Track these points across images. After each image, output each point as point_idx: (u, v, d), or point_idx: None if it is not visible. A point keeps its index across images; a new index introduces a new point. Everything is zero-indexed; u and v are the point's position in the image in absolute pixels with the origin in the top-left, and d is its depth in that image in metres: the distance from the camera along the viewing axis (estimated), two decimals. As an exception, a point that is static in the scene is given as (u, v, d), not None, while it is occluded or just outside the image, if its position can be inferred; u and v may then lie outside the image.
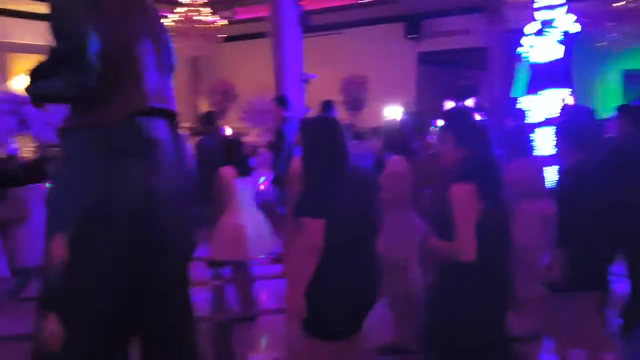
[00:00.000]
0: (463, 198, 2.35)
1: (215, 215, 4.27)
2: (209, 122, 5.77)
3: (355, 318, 2.46)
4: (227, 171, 4.25)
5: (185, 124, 12.07)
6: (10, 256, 5.20)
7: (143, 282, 1.90)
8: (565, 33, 6.73)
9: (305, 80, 7.02)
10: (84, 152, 1.86)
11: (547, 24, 6.77)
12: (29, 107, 6.21)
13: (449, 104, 7.31)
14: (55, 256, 1.79)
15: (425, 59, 12.64)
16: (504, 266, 2.48)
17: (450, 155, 2.56)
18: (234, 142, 4.77)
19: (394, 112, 9.86)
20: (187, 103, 13.85)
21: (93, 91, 1.81)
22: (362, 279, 2.43)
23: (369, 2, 11.22)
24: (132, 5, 1.95)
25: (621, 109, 3.99)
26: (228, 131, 4.99)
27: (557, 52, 6.90)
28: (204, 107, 12.67)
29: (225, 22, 10.19)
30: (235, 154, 4.39)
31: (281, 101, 6.04)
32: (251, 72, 11.95)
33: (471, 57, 13.40)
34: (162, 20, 2.15)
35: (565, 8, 6.67)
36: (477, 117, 3.80)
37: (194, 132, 11.96)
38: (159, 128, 1.95)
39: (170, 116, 2.02)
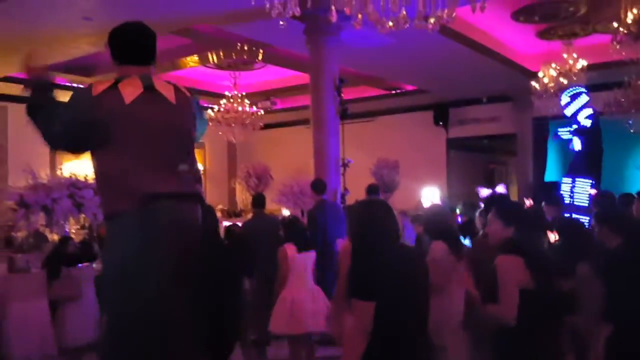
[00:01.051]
0: (509, 269, 2.57)
1: (278, 291, 4.47)
2: (259, 204, 5.99)
3: None
4: (288, 248, 4.46)
5: (220, 206, 12.51)
6: (58, 335, 5.31)
7: None
8: (587, 124, 7.13)
9: (345, 165, 7.31)
10: (115, 240, 2.18)
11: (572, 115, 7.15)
12: (86, 191, 6.64)
13: (484, 191, 7.50)
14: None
15: (454, 144, 13.02)
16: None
17: (498, 234, 2.81)
18: (294, 219, 5.04)
19: (428, 195, 10.07)
20: (223, 186, 14.41)
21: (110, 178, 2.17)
22: None
23: (400, 92, 11.79)
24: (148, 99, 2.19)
25: None
26: (285, 212, 5.24)
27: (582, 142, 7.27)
28: (240, 190, 13.14)
29: (263, 112, 10.83)
30: (295, 231, 4.59)
31: (318, 185, 6.26)
32: (287, 156, 12.48)
33: (499, 143, 13.75)
34: (189, 109, 2.36)
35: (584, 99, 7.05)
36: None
37: (230, 213, 12.36)
38: (178, 209, 2.16)
39: (191, 196, 2.24)
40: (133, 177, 2.14)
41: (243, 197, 13.19)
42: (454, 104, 12.50)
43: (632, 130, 7.90)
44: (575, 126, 7.14)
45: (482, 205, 5.00)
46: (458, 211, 9.75)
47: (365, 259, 2.31)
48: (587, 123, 6.96)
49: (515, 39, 9.01)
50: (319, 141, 7.13)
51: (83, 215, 7.00)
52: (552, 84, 8.00)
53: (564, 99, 7.15)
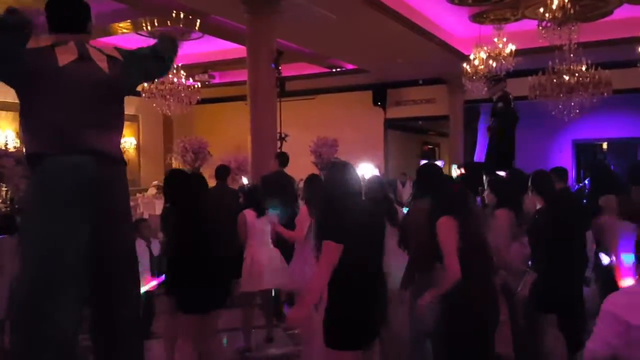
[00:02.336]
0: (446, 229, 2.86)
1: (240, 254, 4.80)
2: (221, 176, 6.13)
3: (372, 328, 2.82)
4: (248, 213, 4.75)
5: (155, 182, 12.20)
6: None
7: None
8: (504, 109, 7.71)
9: (282, 138, 7.33)
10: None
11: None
12: (7, 159, 6.29)
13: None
14: None
15: (391, 124, 13.34)
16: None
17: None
18: (253, 187, 5.39)
19: (366, 173, 10.28)
20: (158, 161, 14.02)
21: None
22: (376, 294, 2.82)
23: (341, 71, 11.87)
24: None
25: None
26: (245, 181, 5.55)
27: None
28: (177, 166, 12.85)
29: (200, 85, 10.58)
30: (254, 198, 4.91)
31: (283, 158, 6.41)
32: (225, 132, 12.32)
33: (433, 124, 14.21)
34: (123, 75, 2.46)
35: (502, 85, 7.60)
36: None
37: (163, 190, 12.05)
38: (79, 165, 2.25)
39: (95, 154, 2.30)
40: (49, 129, 2.26)
41: (179, 172, 12.91)
42: (392, 85, 12.75)
43: (553, 113, 8.38)
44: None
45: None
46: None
47: (337, 209, 2.74)
48: (504, 108, 7.45)
49: (451, 22, 9.27)
50: (256, 117, 7.09)
51: (4, 187, 6.64)
52: (482, 67, 8.32)
53: (486, 84, 7.52)
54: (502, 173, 5.23)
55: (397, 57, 10.09)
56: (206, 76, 11.39)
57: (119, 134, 2.53)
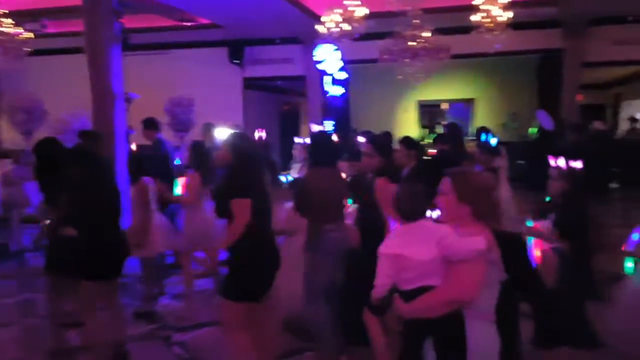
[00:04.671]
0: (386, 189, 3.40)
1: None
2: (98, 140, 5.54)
3: (266, 281, 3.21)
4: (147, 181, 4.77)
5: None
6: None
7: None
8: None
9: (128, 100, 6.79)
10: None
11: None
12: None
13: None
14: None
15: (250, 84, 13.10)
16: None
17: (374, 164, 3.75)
18: (138, 155, 5.48)
19: (223, 133, 10.02)
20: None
21: None
22: (271, 248, 3.25)
23: (193, 25, 11.25)
24: None
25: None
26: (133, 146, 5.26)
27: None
28: (6, 127, 11.34)
29: (31, 35, 9.31)
30: (145, 166, 4.88)
31: (152, 124, 6.16)
32: (62, 88, 11.10)
33: (292, 84, 14.26)
34: None
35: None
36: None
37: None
38: None
39: None
40: None
41: (10, 135, 11.43)
42: (249, 43, 12.45)
43: (399, 77, 8.86)
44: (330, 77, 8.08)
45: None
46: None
47: (245, 173, 3.16)
48: (342, 76, 7.99)
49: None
50: (96, 72, 6.46)
51: None
52: (335, 29, 8.45)
53: (321, 52, 7.87)
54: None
55: (252, 13, 9.82)
56: (38, 25, 10.04)
57: None
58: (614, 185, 11.04)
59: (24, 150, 8.46)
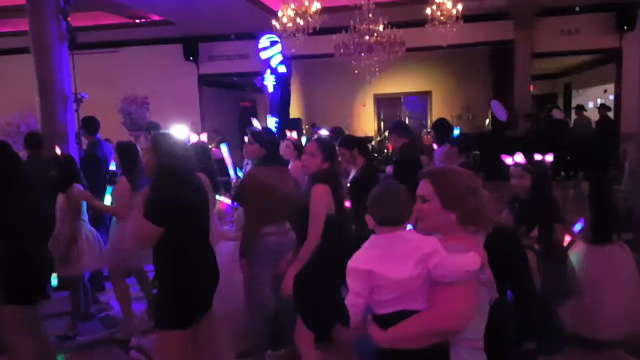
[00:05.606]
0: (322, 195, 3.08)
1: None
2: (38, 145, 5.40)
3: (203, 302, 2.87)
4: (79, 189, 4.39)
5: None
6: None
7: None
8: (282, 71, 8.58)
9: (79, 100, 6.57)
10: None
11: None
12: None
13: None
14: None
15: (205, 80, 12.90)
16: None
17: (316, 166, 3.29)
18: (69, 158, 4.75)
19: (180, 132, 9.85)
20: None
21: None
22: (207, 267, 2.87)
23: (145, 22, 10.99)
24: None
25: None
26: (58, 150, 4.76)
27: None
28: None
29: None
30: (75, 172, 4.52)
31: (91, 124, 5.94)
32: (8, 90, 10.66)
33: (249, 80, 14.14)
34: None
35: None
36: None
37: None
38: None
39: None
40: None
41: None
42: (203, 39, 12.26)
43: (356, 71, 8.92)
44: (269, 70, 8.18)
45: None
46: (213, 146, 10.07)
47: (165, 189, 2.74)
48: (282, 69, 8.12)
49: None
50: (43, 73, 6.22)
51: None
52: (290, 24, 8.41)
53: (263, 42, 7.89)
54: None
55: (205, 9, 9.67)
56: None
57: None
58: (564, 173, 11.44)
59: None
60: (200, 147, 4.34)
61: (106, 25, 10.83)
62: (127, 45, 12.02)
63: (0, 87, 11.37)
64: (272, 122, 10.05)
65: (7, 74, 11.32)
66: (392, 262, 1.80)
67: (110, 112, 10.33)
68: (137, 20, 10.87)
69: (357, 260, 1.86)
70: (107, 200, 5.19)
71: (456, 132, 5.94)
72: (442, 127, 5.43)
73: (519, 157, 3.40)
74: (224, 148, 5.27)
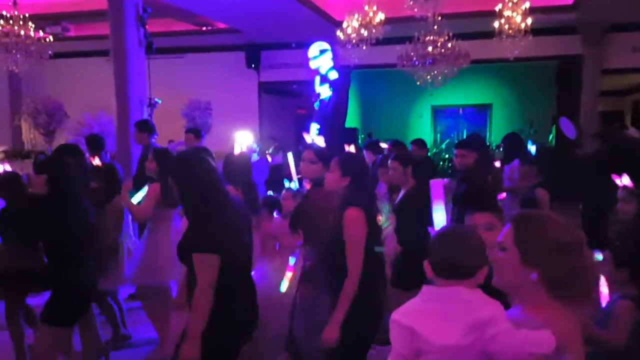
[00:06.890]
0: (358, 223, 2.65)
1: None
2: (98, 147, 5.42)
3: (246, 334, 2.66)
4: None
5: (2, 147, 10.80)
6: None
7: None
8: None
9: (153, 105, 6.85)
10: None
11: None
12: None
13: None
14: None
15: (265, 88, 13.14)
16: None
17: (335, 183, 2.81)
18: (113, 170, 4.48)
19: (241, 139, 10.07)
20: (4, 123, 12.41)
21: None
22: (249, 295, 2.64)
23: (211, 29, 11.33)
24: None
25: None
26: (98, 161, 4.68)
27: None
28: (27, 128, 11.49)
29: (52, 38, 9.44)
30: (119, 182, 4.22)
31: (146, 126, 5.79)
32: (83, 92, 11.22)
33: (308, 89, 14.28)
34: None
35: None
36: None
37: (15, 155, 10.76)
38: None
39: None
40: None
41: (31, 137, 11.58)
42: (266, 47, 12.51)
43: (418, 83, 8.86)
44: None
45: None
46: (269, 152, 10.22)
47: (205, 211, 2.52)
48: (334, 75, 8.16)
49: (324, -14, 9.25)
50: (121, 76, 6.54)
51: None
52: (354, 35, 8.47)
53: (313, 50, 7.90)
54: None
55: (270, 17, 9.87)
56: (59, 28, 10.18)
57: None
58: None
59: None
60: (242, 158, 3.85)
61: (174, 32, 11.23)
62: (193, 52, 12.41)
63: (75, 87, 11.94)
64: (314, 129, 9.81)
65: (81, 75, 11.93)
66: (437, 322, 1.47)
67: (175, 116, 10.69)
68: (204, 28, 11.21)
69: (401, 313, 1.56)
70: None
71: (531, 147, 5.54)
72: (514, 142, 5.15)
73: (626, 180, 2.97)
74: (289, 156, 5.09)
